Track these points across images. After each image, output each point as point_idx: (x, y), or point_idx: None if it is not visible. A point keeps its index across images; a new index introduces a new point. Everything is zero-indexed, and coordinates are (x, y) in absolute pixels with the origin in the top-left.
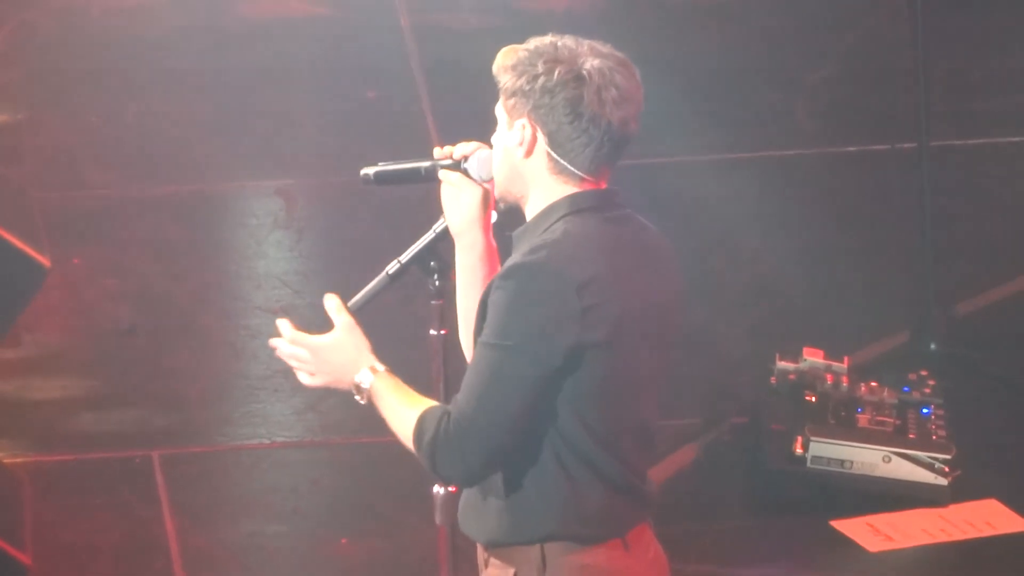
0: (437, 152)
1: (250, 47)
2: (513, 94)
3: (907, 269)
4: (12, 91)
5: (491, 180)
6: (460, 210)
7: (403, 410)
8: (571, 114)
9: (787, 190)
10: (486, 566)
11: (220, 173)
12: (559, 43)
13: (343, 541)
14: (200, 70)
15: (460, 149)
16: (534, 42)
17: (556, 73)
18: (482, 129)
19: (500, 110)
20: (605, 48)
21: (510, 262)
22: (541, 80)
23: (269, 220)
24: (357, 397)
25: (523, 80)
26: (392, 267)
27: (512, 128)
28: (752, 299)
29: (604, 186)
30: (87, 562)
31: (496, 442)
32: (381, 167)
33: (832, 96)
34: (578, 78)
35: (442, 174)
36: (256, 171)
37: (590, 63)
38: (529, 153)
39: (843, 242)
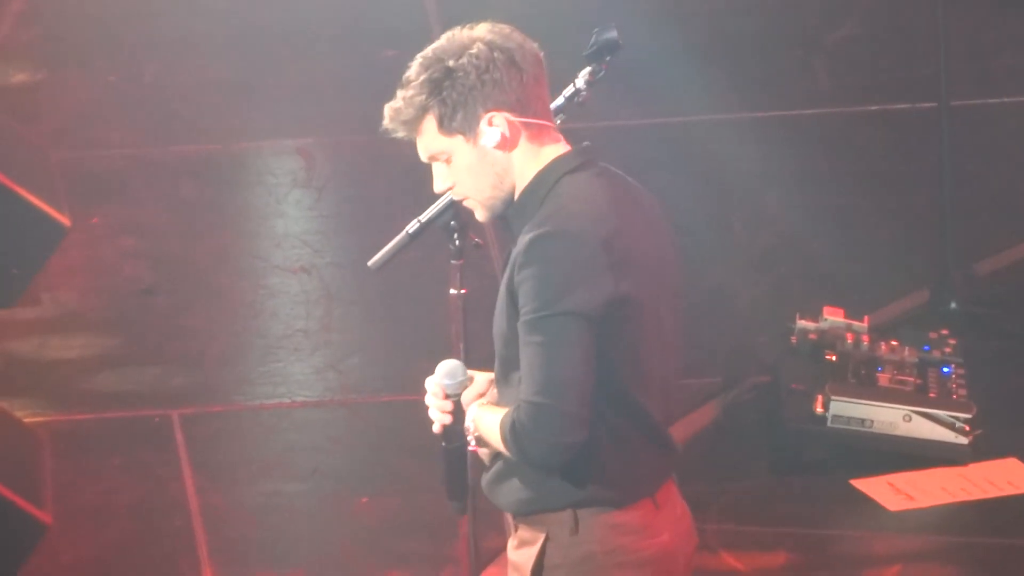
0: (440, 427)
1: (269, 6)
2: (453, 110)
3: (927, 228)
4: (31, 51)
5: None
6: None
7: (493, 421)
8: (516, 73)
9: (807, 149)
10: (515, 530)
11: (239, 132)
12: (434, 49)
13: (363, 500)
14: (219, 30)
15: (441, 409)
16: (413, 72)
17: (474, 55)
18: None
19: (440, 144)
20: (455, 27)
21: (528, 236)
22: (471, 72)
23: (288, 179)
24: (472, 441)
25: (452, 90)
26: (412, 226)
27: (480, 136)
28: (772, 259)
29: (552, 122)
30: (107, 521)
31: (573, 413)
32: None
33: (852, 55)
34: (489, 43)
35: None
36: (275, 130)
37: (477, 32)
38: (515, 142)
39: (863, 201)
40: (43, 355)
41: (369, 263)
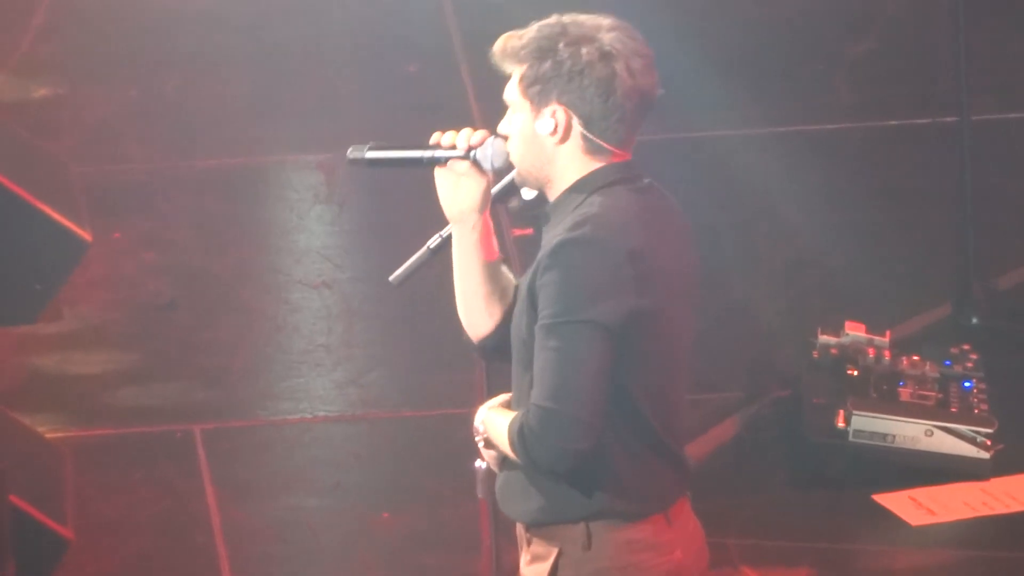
0: (435, 138)
1: (291, 21)
2: (536, 81)
3: (948, 242)
4: (53, 65)
5: (497, 169)
6: (464, 198)
7: (502, 424)
8: (604, 93)
9: (828, 164)
10: (528, 544)
11: (261, 147)
12: (567, 23)
13: (384, 515)
14: (241, 44)
15: (465, 138)
16: (539, 25)
17: (583, 54)
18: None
19: (516, 98)
20: (607, 20)
21: (555, 240)
22: (568, 64)
23: (310, 194)
24: (480, 442)
25: (548, 65)
26: (433, 241)
27: (540, 116)
28: (794, 273)
29: (630, 155)
30: (128, 536)
31: (583, 420)
32: (375, 154)
33: (873, 70)
34: (605, 55)
35: (452, 164)
36: (297, 145)
37: (608, 36)
38: (564, 140)
39: (884, 216)
40: (65, 370)
41: (390, 278)
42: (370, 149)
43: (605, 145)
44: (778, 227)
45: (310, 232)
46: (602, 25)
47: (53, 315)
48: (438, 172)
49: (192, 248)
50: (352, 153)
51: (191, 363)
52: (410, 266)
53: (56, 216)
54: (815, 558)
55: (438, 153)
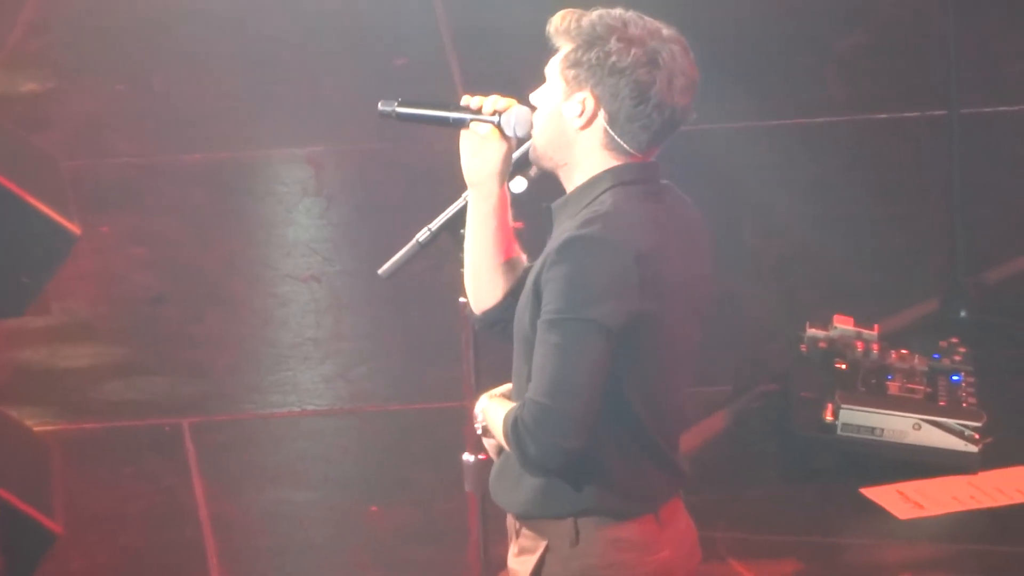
0: (464, 100)
1: (279, 15)
2: (577, 64)
3: (937, 236)
4: (41, 60)
5: (520, 138)
6: (483, 161)
7: (499, 415)
8: (637, 97)
9: (817, 158)
10: (517, 536)
11: (249, 140)
12: (628, 20)
13: (373, 509)
14: (229, 38)
15: (492, 103)
16: (599, 13)
17: (631, 54)
18: (510, 94)
19: (555, 74)
20: (667, 30)
21: (565, 236)
22: (613, 59)
23: (298, 187)
24: (479, 430)
25: (593, 54)
26: (422, 235)
27: (570, 99)
28: (782, 267)
29: (651, 158)
30: (117, 530)
31: (577, 418)
32: (404, 109)
33: (863, 63)
34: (652, 63)
35: (474, 126)
36: (285, 138)
37: (662, 47)
38: (586, 127)
39: (873, 210)
40: (53, 364)
41: (379, 271)
42: (400, 104)
43: (624, 146)
44: (767, 221)
45: (298, 226)
46: (662, 34)
47: (41, 309)
48: (463, 135)
49: (180, 242)
50: (383, 106)
51: (179, 357)
52: (399, 260)
53: (44, 209)
54: (803, 552)
55: (464, 114)
